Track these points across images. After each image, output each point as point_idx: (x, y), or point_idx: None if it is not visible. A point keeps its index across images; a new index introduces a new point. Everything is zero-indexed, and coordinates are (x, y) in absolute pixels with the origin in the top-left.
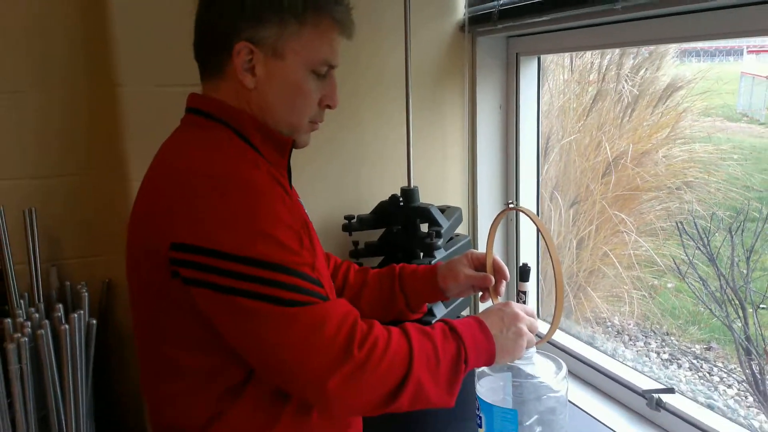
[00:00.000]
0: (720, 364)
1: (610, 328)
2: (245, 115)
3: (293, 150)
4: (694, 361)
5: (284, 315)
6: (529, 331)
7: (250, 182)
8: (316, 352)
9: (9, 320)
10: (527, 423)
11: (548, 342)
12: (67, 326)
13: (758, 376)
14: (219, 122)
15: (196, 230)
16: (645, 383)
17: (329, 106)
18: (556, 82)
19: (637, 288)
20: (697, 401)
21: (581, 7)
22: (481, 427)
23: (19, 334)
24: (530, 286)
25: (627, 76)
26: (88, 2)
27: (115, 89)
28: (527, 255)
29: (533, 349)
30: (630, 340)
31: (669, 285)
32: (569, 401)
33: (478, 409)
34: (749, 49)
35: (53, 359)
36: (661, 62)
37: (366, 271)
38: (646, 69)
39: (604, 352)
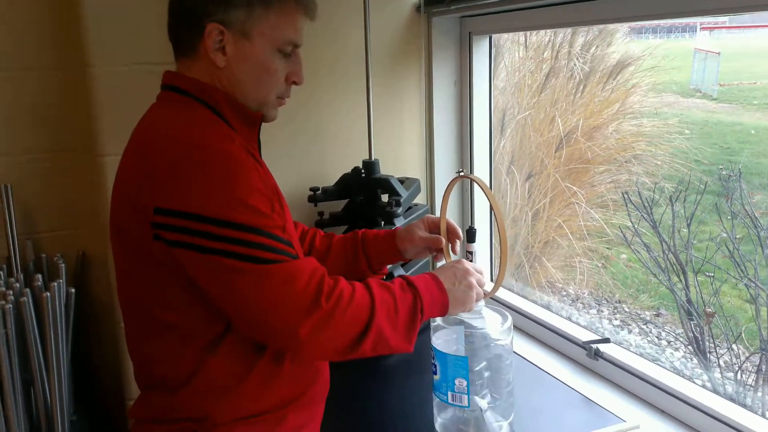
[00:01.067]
0: (668, 329)
1: (565, 297)
2: (218, 92)
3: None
4: (644, 327)
5: (259, 272)
6: (478, 285)
7: (226, 153)
8: (288, 304)
9: None
10: (477, 368)
11: (498, 301)
12: (48, 294)
13: (698, 337)
14: (194, 98)
15: (178, 196)
16: (585, 335)
17: (295, 83)
18: (512, 60)
19: (590, 258)
20: (630, 351)
21: None
22: (436, 374)
23: (3, 302)
24: (477, 246)
25: (578, 53)
26: None
27: (86, 69)
28: (481, 221)
29: (482, 303)
30: (584, 307)
31: (622, 256)
32: (517, 354)
33: (434, 358)
34: (703, 26)
35: (35, 325)
36: (611, 39)
37: (331, 237)
38: (597, 46)
39: (546, 308)
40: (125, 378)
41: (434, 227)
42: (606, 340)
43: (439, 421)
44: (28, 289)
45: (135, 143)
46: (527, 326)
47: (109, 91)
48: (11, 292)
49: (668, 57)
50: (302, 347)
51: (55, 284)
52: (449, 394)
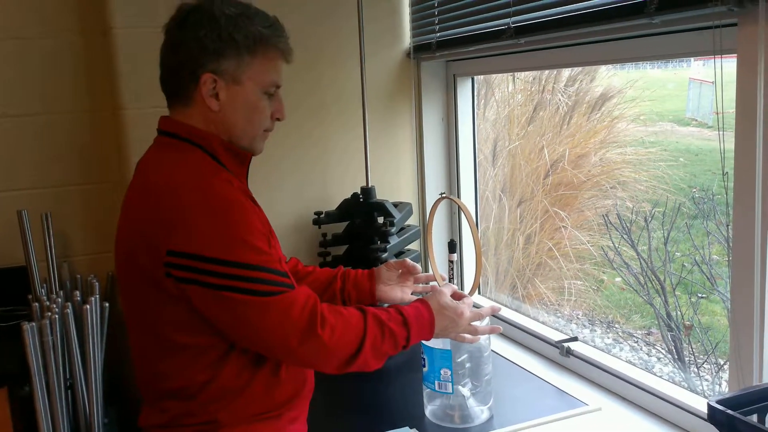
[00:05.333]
0: (659, 347)
1: (560, 317)
2: (212, 136)
3: (266, 157)
4: (635, 344)
5: (261, 303)
6: (468, 332)
7: (228, 198)
8: (286, 330)
9: (37, 304)
10: (459, 359)
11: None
12: (88, 307)
13: (678, 347)
14: (189, 143)
15: (188, 239)
16: (557, 336)
17: (278, 119)
18: (503, 94)
19: (581, 279)
20: (597, 348)
21: (494, 41)
22: (425, 366)
23: (49, 313)
24: (463, 255)
25: (562, 89)
26: (94, 38)
27: (119, 111)
28: (467, 236)
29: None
30: (578, 327)
31: (617, 279)
32: (498, 354)
33: (422, 353)
34: (696, 57)
35: (75, 335)
36: (595, 74)
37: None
38: (581, 81)
39: (516, 310)
40: (141, 383)
41: (398, 266)
42: (574, 338)
43: (429, 409)
44: (69, 303)
45: (142, 184)
46: (507, 330)
47: (138, 130)
48: (55, 305)
49: (647, 89)
50: (298, 362)
51: (93, 299)
52: (436, 382)
